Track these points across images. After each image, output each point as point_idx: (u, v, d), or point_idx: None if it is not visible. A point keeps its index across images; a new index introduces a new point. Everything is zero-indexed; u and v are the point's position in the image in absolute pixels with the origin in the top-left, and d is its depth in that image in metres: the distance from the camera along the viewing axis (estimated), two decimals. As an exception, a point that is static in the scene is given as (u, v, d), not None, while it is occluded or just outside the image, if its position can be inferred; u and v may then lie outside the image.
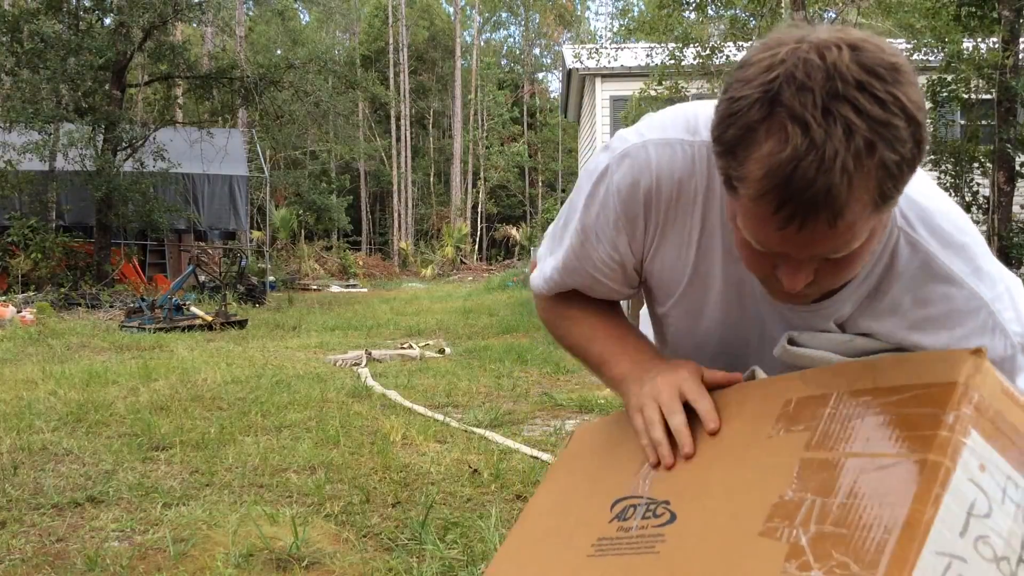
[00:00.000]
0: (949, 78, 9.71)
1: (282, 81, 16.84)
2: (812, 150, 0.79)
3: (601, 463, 1.14)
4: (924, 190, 1.02)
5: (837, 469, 0.81)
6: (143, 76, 19.87)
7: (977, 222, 9.38)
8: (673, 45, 11.43)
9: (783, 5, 10.91)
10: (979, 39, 9.70)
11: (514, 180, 38.02)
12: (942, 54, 9.85)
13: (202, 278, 13.49)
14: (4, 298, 13.00)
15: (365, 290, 21.24)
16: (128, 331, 10.16)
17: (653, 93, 11.65)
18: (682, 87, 11.65)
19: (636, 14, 17.12)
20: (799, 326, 1.08)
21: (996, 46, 9.18)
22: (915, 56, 10.55)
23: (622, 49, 15.68)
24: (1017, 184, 9.30)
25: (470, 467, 3.94)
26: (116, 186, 14.77)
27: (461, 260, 30.73)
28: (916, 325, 1.02)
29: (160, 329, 10.22)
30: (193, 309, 11.50)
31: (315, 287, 20.97)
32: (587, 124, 17.28)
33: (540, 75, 44.36)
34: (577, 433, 1.29)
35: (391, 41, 34.82)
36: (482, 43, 41.40)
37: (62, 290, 13.84)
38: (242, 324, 11.01)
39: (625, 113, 12.38)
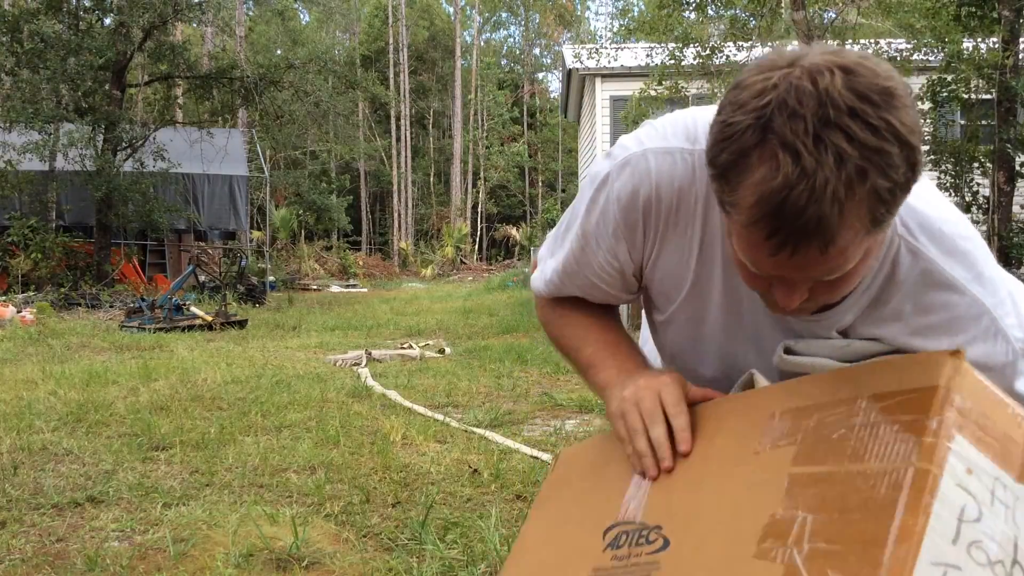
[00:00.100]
0: (949, 78, 9.70)
1: (282, 81, 16.84)
2: (803, 179, 0.79)
3: (589, 486, 1.14)
4: (924, 196, 1.02)
5: (826, 483, 0.81)
6: (143, 76, 19.87)
7: (977, 222, 9.38)
8: (673, 45, 11.43)
9: (783, 5, 10.92)
10: (979, 39, 9.69)
11: (514, 180, 38.02)
12: (942, 54, 9.85)
13: (202, 278, 13.49)
14: (4, 298, 13.00)
15: (365, 290, 21.23)
16: (128, 331, 10.16)
17: (653, 93, 11.65)
18: (682, 87, 11.64)
19: (636, 14, 17.11)
20: (800, 334, 1.08)
21: (996, 46, 9.18)
22: (915, 56, 10.55)
23: (622, 49, 15.67)
24: (1017, 184, 9.30)
25: (470, 467, 3.94)
26: (116, 186, 14.77)
27: (461, 260, 30.73)
28: (918, 332, 1.03)
29: (160, 329, 10.22)
30: (193, 309, 11.51)
31: (315, 287, 20.97)
32: (587, 124, 17.28)
33: (540, 75, 44.43)
34: (562, 457, 1.28)
35: (391, 41, 34.82)
36: (482, 43, 41.42)
37: (62, 290, 13.85)
38: (242, 324, 11.01)
39: (625, 113, 12.37)
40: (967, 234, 1.03)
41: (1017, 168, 9.22)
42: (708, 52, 11.35)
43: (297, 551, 2.84)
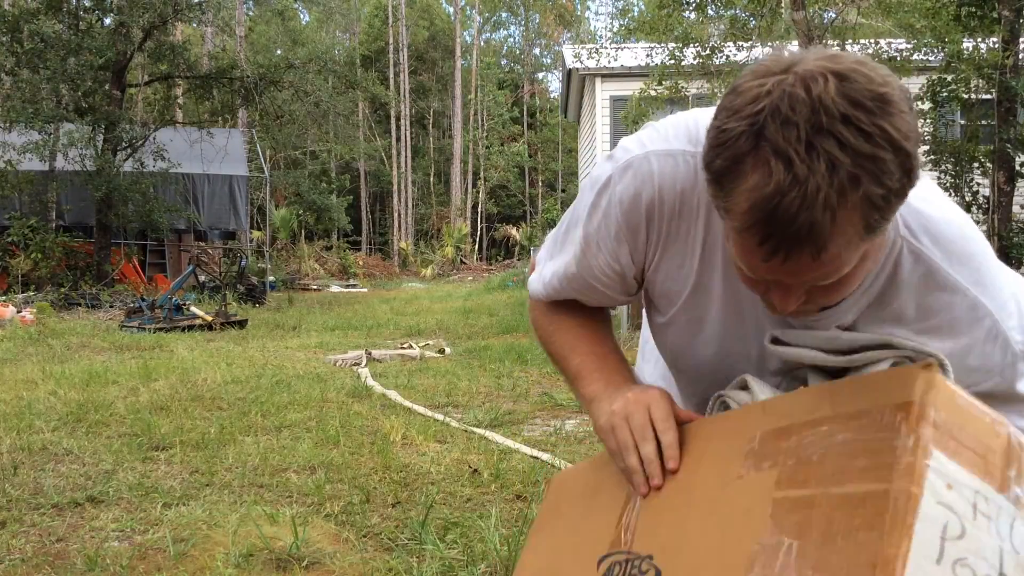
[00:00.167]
0: (949, 78, 9.70)
1: (282, 81, 16.84)
2: (795, 186, 0.79)
3: (581, 514, 1.15)
4: (926, 197, 1.02)
5: (809, 508, 0.81)
6: (143, 76, 19.87)
7: (977, 222, 9.37)
8: (673, 45, 11.42)
9: (783, 5, 10.91)
10: (979, 39, 9.69)
11: (514, 180, 38.02)
12: (942, 54, 9.85)
13: (202, 278, 13.49)
14: (4, 298, 13.00)
15: (365, 290, 21.23)
16: (128, 331, 10.16)
17: (653, 93, 11.64)
18: (682, 87, 11.64)
19: (636, 14, 17.10)
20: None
21: (996, 46, 9.17)
22: (915, 56, 10.55)
23: (622, 49, 15.67)
24: (1017, 184, 9.29)
25: (470, 467, 3.94)
26: (116, 186, 14.77)
27: (461, 260, 30.72)
28: (920, 333, 1.02)
29: (160, 329, 10.22)
30: (193, 309, 11.51)
31: (315, 287, 20.97)
32: (587, 124, 17.29)
33: (540, 75, 44.42)
34: (553, 484, 1.29)
35: (391, 41, 34.81)
36: (482, 43, 41.41)
37: (62, 290, 13.84)
38: (242, 324, 11.01)
39: (625, 113, 12.37)
40: (970, 235, 1.03)
41: (1017, 168, 9.22)
42: (708, 52, 11.35)
43: (297, 551, 2.84)
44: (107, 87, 15.47)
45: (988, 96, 9.62)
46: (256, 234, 24.28)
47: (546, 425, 5.02)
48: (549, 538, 1.19)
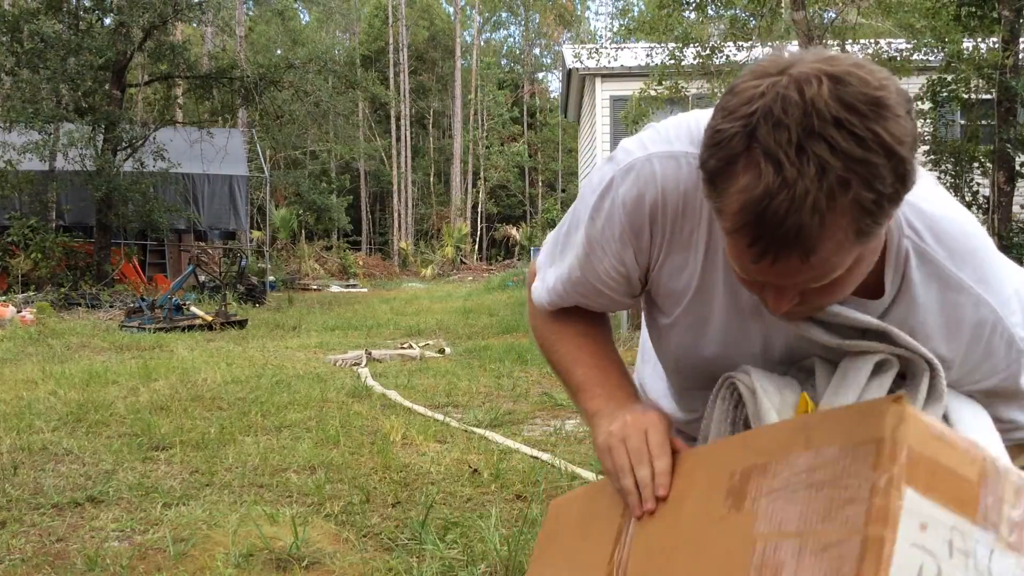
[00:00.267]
0: (949, 78, 9.70)
1: (282, 81, 16.84)
2: (784, 188, 0.79)
3: (577, 546, 1.17)
4: (928, 196, 1.02)
5: (787, 553, 0.81)
6: (143, 76, 19.87)
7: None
8: (673, 45, 11.42)
9: (783, 5, 10.91)
10: (979, 39, 9.69)
11: (514, 180, 38.01)
12: (942, 54, 9.85)
13: (202, 278, 13.49)
14: (4, 298, 13.00)
15: (365, 290, 21.23)
16: (128, 331, 10.16)
17: (653, 93, 11.63)
18: (682, 87, 11.63)
19: (636, 14, 17.11)
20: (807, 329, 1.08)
21: (996, 46, 9.17)
22: (915, 56, 10.55)
23: (622, 49, 15.65)
24: (1017, 184, 9.29)
25: (470, 467, 3.94)
26: (116, 186, 14.77)
27: (461, 260, 30.72)
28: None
29: (160, 329, 10.22)
30: (193, 309, 11.51)
31: (315, 287, 20.97)
32: (587, 124, 17.28)
33: (540, 75, 44.42)
34: (551, 511, 1.30)
35: (391, 41, 34.81)
36: (482, 43, 41.41)
37: (62, 290, 13.85)
38: (242, 324, 11.01)
39: (625, 113, 12.36)
40: (973, 232, 1.03)
41: (1017, 168, 9.22)
42: (708, 52, 11.34)
43: (297, 551, 2.85)
44: (107, 87, 15.48)
45: (988, 96, 9.62)
46: (256, 234, 24.28)
47: (546, 425, 5.02)
48: (550, 567, 1.21)
